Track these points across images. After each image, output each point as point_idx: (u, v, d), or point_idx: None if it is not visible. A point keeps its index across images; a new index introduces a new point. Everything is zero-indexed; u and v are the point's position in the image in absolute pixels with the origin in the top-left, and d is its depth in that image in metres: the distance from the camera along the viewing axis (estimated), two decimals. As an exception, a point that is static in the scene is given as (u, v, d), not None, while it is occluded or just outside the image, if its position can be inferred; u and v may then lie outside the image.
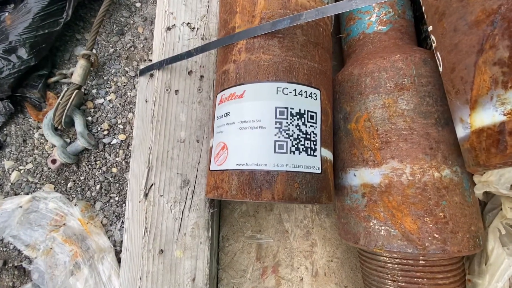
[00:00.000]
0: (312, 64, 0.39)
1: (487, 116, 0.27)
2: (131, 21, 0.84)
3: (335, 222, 0.53)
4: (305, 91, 0.37)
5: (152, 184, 0.46)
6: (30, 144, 0.76)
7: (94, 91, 0.79)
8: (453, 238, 0.33)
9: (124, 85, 0.79)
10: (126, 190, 0.72)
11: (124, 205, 0.72)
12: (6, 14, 0.72)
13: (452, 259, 0.36)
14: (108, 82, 0.79)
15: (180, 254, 0.44)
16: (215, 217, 0.48)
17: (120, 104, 0.78)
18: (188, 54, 0.47)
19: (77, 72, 0.72)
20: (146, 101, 0.53)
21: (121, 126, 0.76)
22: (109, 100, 0.78)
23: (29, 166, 0.75)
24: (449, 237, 0.33)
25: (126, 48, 0.82)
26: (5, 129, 0.77)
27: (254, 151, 0.35)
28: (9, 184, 0.74)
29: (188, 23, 0.53)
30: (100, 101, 0.78)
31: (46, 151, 0.76)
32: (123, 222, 0.70)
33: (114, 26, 0.83)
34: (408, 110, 0.37)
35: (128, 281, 0.46)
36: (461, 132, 0.31)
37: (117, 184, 0.73)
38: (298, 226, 0.54)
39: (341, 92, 0.44)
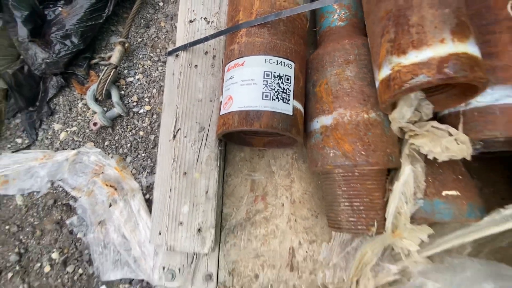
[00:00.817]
0: (290, 45, 0.59)
1: (384, 72, 0.47)
2: (155, 17, 1.04)
3: (308, 166, 0.72)
4: (284, 62, 0.57)
5: (179, 129, 0.66)
6: (74, 111, 0.97)
7: (125, 71, 0.99)
8: (373, 155, 0.53)
9: (149, 68, 0.99)
10: (151, 148, 0.92)
11: (148, 159, 0.91)
12: (59, 8, 0.92)
13: (376, 171, 0.55)
14: (137, 65, 1.00)
15: (198, 176, 0.63)
16: (221, 154, 0.68)
17: (146, 82, 0.98)
18: (205, 39, 0.67)
19: (115, 55, 0.92)
20: (173, 74, 0.73)
21: (146, 99, 0.96)
22: (138, 79, 0.98)
23: (74, 128, 0.95)
24: (370, 154, 0.53)
25: (151, 39, 1.02)
26: (54, 99, 0.98)
27: (249, 98, 0.55)
28: (59, 142, 0.95)
29: (205, 17, 0.73)
30: (130, 79, 0.98)
31: (87, 117, 0.96)
32: (148, 172, 0.90)
33: (142, 21, 1.04)
34: (351, 76, 0.57)
35: (161, 194, 0.65)
36: (376, 85, 0.51)
37: (143, 144, 0.93)
38: (282, 168, 0.73)
39: (311, 67, 0.64)
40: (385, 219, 0.55)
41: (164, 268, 0.68)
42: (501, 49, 0.46)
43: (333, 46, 0.61)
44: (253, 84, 0.55)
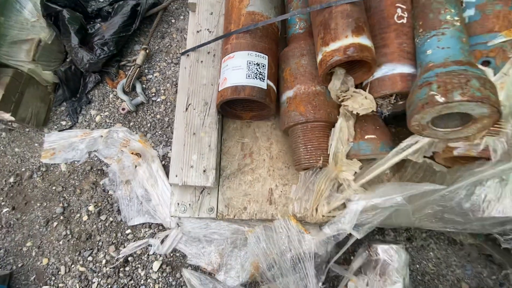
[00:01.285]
0: (264, 45, 0.89)
1: (319, 57, 0.76)
2: (169, 30, 1.36)
3: (282, 133, 1.00)
4: (260, 55, 0.86)
5: (189, 104, 0.94)
6: (106, 101, 1.25)
7: (146, 70, 1.29)
8: (318, 113, 0.81)
9: (164, 68, 1.30)
10: (165, 127, 1.20)
11: (164, 135, 1.19)
12: (98, 24, 1.23)
13: (321, 124, 0.83)
14: (155, 66, 1.30)
15: (203, 135, 0.91)
16: (220, 121, 0.96)
17: (162, 78, 1.28)
18: (208, 43, 0.97)
19: (139, 58, 1.22)
20: (185, 68, 1.02)
21: (162, 91, 1.26)
22: (155, 76, 1.28)
23: (106, 113, 1.24)
24: (317, 112, 0.81)
25: (166, 46, 1.33)
26: (92, 92, 1.27)
27: (237, 78, 0.84)
28: (94, 123, 1.23)
29: (208, 29, 1.04)
30: (150, 76, 1.28)
31: (117, 105, 1.25)
32: (163, 145, 1.18)
33: (159, 33, 1.35)
34: (305, 64, 0.86)
35: (177, 148, 0.93)
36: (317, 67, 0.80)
37: (160, 124, 1.21)
38: (263, 135, 1.01)
39: (281, 59, 0.94)
40: (328, 156, 0.83)
41: (178, 203, 0.94)
42: (389, 42, 0.76)
43: (294, 45, 0.91)
44: (240, 69, 0.85)
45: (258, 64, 0.86)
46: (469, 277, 1.05)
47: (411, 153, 0.75)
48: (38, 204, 1.12)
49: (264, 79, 0.85)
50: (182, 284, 1.02)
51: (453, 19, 0.66)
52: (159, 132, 1.19)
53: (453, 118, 0.62)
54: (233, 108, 0.98)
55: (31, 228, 1.09)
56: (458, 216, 0.82)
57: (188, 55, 1.03)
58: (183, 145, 0.91)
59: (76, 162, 1.17)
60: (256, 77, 0.84)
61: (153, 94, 1.24)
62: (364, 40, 0.70)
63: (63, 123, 1.24)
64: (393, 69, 0.74)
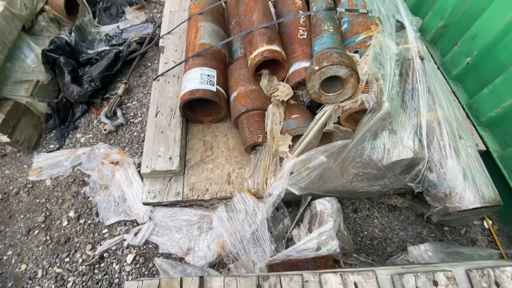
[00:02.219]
0: (213, 63, 1.20)
1: (249, 63, 1.07)
2: (146, 71, 1.70)
3: (237, 130, 1.25)
4: (210, 69, 1.17)
5: (159, 111, 1.20)
6: (91, 126, 1.49)
7: (126, 100, 1.57)
8: (255, 103, 1.08)
9: (141, 97, 1.58)
10: (141, 141, 1.42)
11: (140, 148, 1.40)
12: (87, 68, 1.55)
13: (258, 112, 1.09)
14: (133, 97, 1.59)
15: (170, 132, 1.14)
16: (183, 122, 1.20)
17: (139, 105, 1.55)
18: (172, 68, 1.28)
19: (120, 89, 1.51)
20: (156, 88, 1.31)
21: (139, 114, 1.52)
22: (133, 104, 1.56)
23: (90, 135, 1.46)
24: (254, 102, 1.08)
25: (143, 82, 1.65)
26: (79, 120, 1.51)
27: (193, 85, 1.12)
28: (79, 144, 1.43)
29: (173, 60, 1.37)
30: (129, 104, 1.55)
31: (99, 128, 1.48)
32: (138, 156, 1.38)
33: (137, 73, 1.68)
34: (243, 73, 1.17)
35: (148, 144, 1.13)
36: (250, 71, 1.11)
37: (137, 139, 1.43)
38: (221, 133, 1.25)
39: (229, 73, 1.25)
40: (266, 133, 1.07)
41: (149, 192, 1.10)
42: (296, 49, 1.09)
43: (236, 63, 1.23)
44: (194, 79, 1.14)
45: (208, 75, 1.16)
46: (411, 237, 1.20)
47: (324, 121, 1.01)
48: (22, 216, 1.23)
49: (213, 85, 1.14)
50: (154, 272, 1.10)
51: (328, 28, 1.01)
52: (136, 145, 1.41)
53: (335, 84, 0.91)
54: (195, 114, 1.24)
55: (13, 238, 1.18)
56: (374, 169, 1.04)
57: (158, 80, 1.33)
58: (152, 142, 1.13)
59: (60, 177, 1.33)
60: (207, 83, 1.13)
61: (132, 117, 1.49)
62: (275, 47, 1.03)
63: (52, 146, 1.43)
64: (299, 65, 1.05)
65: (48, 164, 1.35)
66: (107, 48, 1.66)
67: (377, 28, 1.01)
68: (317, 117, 1.03)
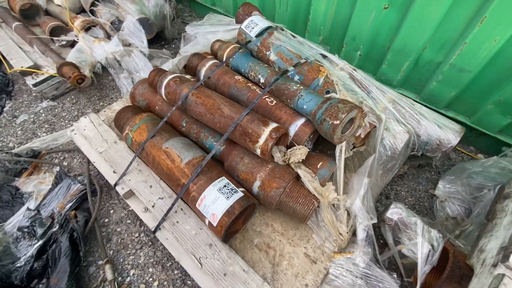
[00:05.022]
0: (215, 172, 1.12)
1: (257, 150, 1.07)
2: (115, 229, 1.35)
3: (272, 213, 1.20)
4: (220, 179, 1.08)
5: (200, 257, 1.00)
6: None
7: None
8: (284, 178, 1.09)
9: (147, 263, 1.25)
10: None
11: None
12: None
13: (292, 183, 1.11)
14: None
15: (232, 269, 0.98)
16: (230, 247, 1.06)
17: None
18: (170, 209, 1.10)
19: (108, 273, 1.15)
20: (167, 239, 1.08)
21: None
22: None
23: None
24: (283, 178, 1.09)
25: (119, 244, 1.31)
26: None
27: (222, 205, 1.01)
28: None
29: (160, 197, 1.17)
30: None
31: None
32: None
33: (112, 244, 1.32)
34: (249, 161, 1.15)
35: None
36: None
37: None
38: (261, 226, 1.17)
39: (230, 172, 1.18)
40: (313, 195, 1.09)
41: None
42: (279, 115, 1.16)
43: (229, 158, 1.19)
44: (218, 199, 1.02)
45: (225, 186, 1.07)
46: (427, 183, 1.51)
47: (345, 153, 1.14)
48: None
49: (237, 191, 1.06)
50: None
51: (298, 87, 1.14)
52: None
53: (348, 124, 1.05)
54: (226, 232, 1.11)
55: None
56: (392, 160, 1.25)
57: (160, 229, 1.11)
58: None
59: None
60: (232, 193, 1.04)
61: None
62: (274, 125, 1.07)
63: None
64: (296, 125, 1.14)
65: None
66: (39, 242, 1.23)
67: (325, 68, 1.22)
68: (337, 155, 1.15)
